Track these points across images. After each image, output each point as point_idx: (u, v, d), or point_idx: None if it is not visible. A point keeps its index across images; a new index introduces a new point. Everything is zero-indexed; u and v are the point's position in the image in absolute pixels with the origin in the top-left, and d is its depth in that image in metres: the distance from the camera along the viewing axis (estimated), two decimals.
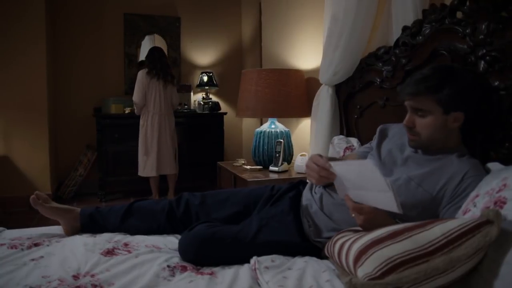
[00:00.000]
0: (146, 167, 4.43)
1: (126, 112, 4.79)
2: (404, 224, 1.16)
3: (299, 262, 1.48)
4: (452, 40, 1.74)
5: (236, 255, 1.52)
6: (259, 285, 1.33)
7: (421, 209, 1.42)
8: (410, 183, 1.46)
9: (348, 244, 1.23)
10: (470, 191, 1.34)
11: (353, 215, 1.32)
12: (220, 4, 5.59)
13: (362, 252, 1.13)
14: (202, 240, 1.52)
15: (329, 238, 1.48)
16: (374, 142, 1.78)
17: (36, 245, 1.60)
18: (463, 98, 1.43)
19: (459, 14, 1.74)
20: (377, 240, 1.13)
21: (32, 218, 3.98)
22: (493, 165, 1.44)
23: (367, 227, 1.28)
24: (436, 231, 1.08)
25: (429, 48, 1.86)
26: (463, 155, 1.48)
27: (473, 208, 1.24)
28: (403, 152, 1.62)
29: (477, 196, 1.26)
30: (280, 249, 1.55)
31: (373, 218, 1.29)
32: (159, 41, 5.33)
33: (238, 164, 3.01)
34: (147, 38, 5.36)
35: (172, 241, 1.73)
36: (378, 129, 1.80)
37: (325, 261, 1.49)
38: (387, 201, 1.24)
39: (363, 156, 1.79)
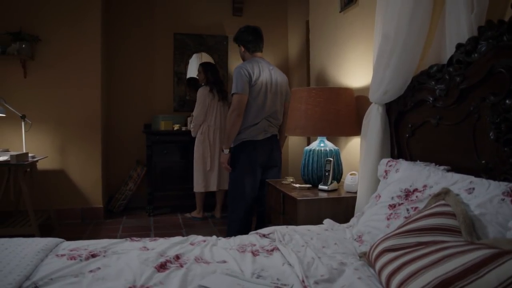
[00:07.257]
0: (209, 182, 4.48)
1: (175, 128, 4.91)
2: (455, 263, 1.03)
3: (349, 274, 1.46)
4: (511, 58, 1.69)
5: None
6: None
7: None
8: None
9: (390, 270, 1.20)
10: None
11: None
12: (267, 21, 5.66)
13: None
14: None
15: None
16: None
17: (93, 256, 1.66)
18: None
19: None
20: None
21: (84, 230, 4.12)
22: None
23: None
24: (492, 280, 0.93)
25: (486, 66, 1.80)
26: None
27: None
28: None
29: None
30: None
31: None
32: (206, 59, 5.46)
33: (286, 182, 2.99)
34: (194, 56, 5.52)
35: (220, 253, 1.75)
36: None
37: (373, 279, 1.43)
38: None
39: None
